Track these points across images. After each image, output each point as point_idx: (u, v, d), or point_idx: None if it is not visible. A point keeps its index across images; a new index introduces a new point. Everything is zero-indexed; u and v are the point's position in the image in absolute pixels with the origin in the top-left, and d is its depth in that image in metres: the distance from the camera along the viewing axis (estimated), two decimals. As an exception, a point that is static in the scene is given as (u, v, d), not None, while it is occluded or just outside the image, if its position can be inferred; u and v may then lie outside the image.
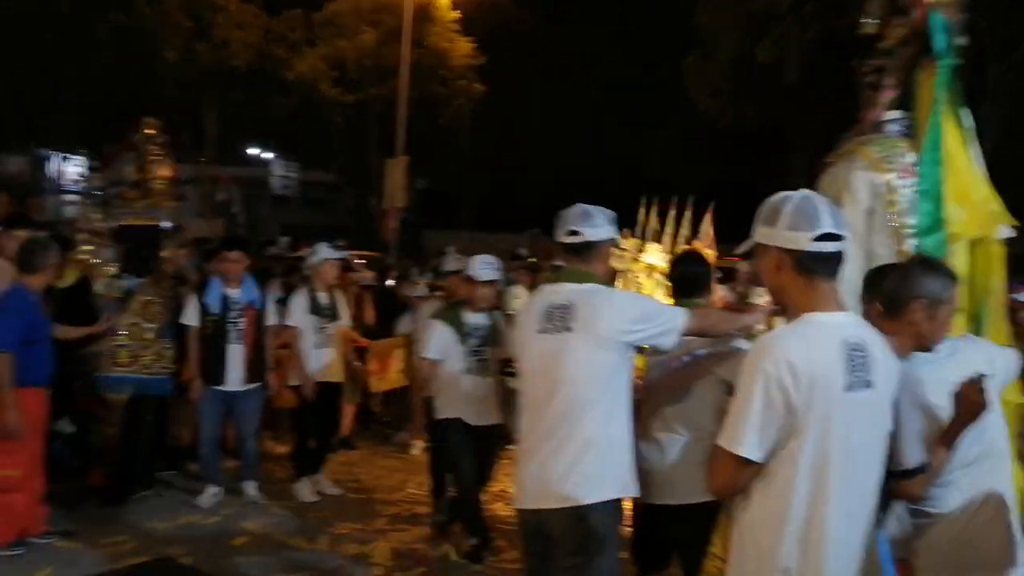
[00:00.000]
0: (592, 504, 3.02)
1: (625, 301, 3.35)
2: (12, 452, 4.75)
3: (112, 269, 6.18)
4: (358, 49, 25.06)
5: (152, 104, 22.04)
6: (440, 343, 5.17)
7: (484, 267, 5.14)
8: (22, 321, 4.73)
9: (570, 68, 30.42)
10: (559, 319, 3.12)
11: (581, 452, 3.03)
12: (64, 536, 5.12)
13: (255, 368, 6.15)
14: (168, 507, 5.87)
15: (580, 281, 3.20)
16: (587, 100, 31.12)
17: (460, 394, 5.15)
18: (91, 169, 7.01)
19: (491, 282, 5.17)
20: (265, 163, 30.44)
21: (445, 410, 5.19)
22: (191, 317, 6.00)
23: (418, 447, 8.07)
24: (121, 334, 5.91)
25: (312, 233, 18.39)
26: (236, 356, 6.03)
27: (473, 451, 5.13)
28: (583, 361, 3.06)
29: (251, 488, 6.21)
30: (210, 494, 6.02)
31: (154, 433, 6.25)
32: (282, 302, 6.53)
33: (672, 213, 6.53)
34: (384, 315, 8.60)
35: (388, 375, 8.20)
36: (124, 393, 5.89)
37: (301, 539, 5.42)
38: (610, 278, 3.50)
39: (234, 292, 6.06)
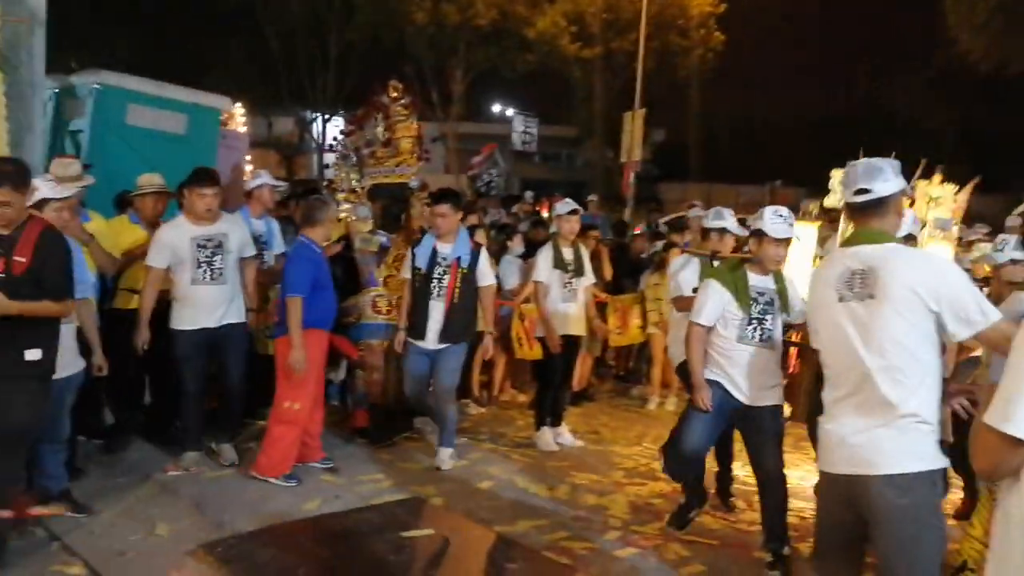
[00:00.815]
0: (916, 473, 2.89)
1: (932, 267, 2.99)
2: (297, 387, 5.31)
3: (368, 225, 6.57)
4: (597, 4, 24.93)
5: (404, 65, 23.29)
6: (716, 307, 4.46)
7: (776, 221, 4.37)
8: (311, 269, 5.29)
9: (814, 8, 28.55)
10: (860, 285, 2.95)
11: (891, 422, 2.89)
12: (330, 472, 5.62)
13: (451, 328, 5.82)
14: (420, 450, 6.25)
15: (877, 241, 3.00)
16: (832, 42, 29.12)
17: (734, 366, 4.46)
18: (344, 132, 7.42)
19: (785, 240, 4.44)
20: (507, 119, 31.17)
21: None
22: (405, 270, 6.00)
23: (654, 402, 8.07)
24: (378, 286, 6.37)
25: (551, 188, 18.68)
26: (436, 313, 5.80)
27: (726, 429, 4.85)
28: (889, 329, 2.88)
29: (443, 455, 5.87)
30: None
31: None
32: (525, 257, 6.69)
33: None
34: (622, 270, 8.62)
35: (628, 331, 8.23)
36: (384, 339, 6.33)
37: (541, 487, 5.58)
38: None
39: (444, 247, 5.86)
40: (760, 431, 4.51)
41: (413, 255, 5.87)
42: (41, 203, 4.45)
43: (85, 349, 4.75)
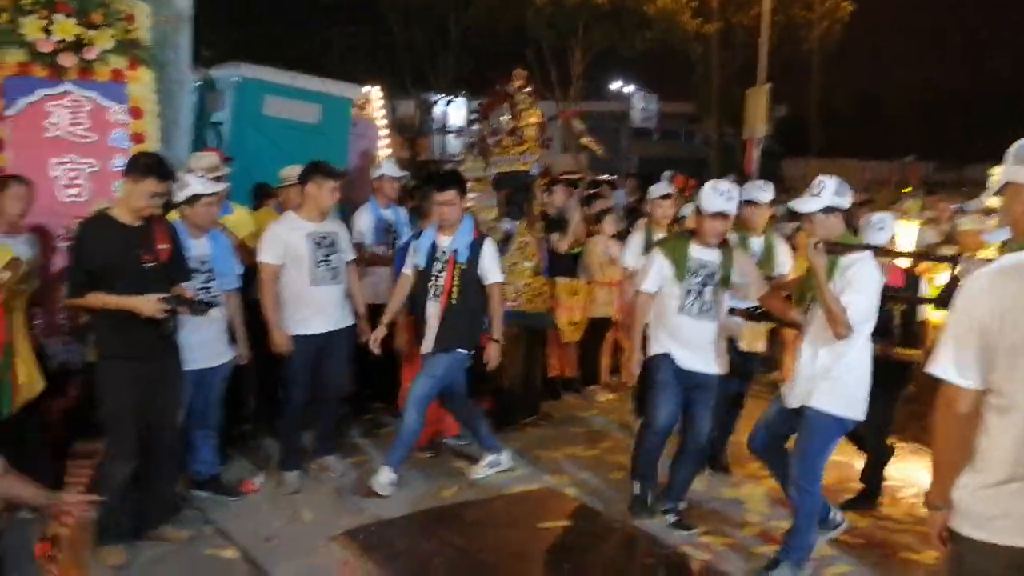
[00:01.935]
0: None
1: None
2: (413, 368, 5.46)
3: (493, 214, 6.59)
4: (718, -22, 24.28)
5: (524, 46, 23.23)
6: (656, 276, 4.65)
7: (711, 196, 4.46)
8: None
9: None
10: None
11: None
12: (465, 459, 5.66)
13: (444, 333, 5.08)
14: (551, 437, 6.24)
15: None
16: (961, 14, 27.48)
17: (676, 337, 4.62)
18: (470, 122, 7.47)
19: (720, 214, 4.47)
20: (625, 97, 30.80)
21: None
22: (407, 264, 5.29)
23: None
24: (504, 274, 6.40)
25: (670, 166, 18.31)
26: (433, 315, 5.12)
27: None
28: None
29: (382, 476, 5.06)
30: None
31: (539, 363, 6.69)
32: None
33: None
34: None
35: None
36: (511, 326, 6.36)
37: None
38: None
39: (443, 240, 5.13)
40: (699, 401, 4.68)
41: (414, 250, 5.25)
42: (192, 199, 4.61)
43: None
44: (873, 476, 5.14)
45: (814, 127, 31.63)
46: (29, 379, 4.22)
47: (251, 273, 5.19)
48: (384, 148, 8.65)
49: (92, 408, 4.21)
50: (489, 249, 5.20)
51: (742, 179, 17.81)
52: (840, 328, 3.79)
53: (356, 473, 5.35)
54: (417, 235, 5.33)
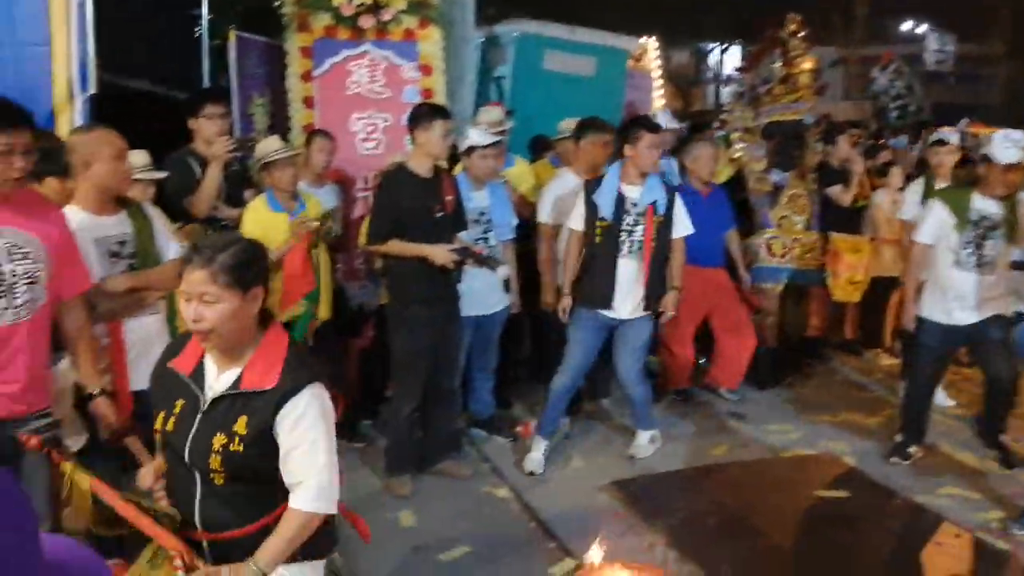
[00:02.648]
0: None
1: None
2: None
3: (761, 165, 6.29)
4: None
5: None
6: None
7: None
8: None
9: None
10: None
11: None
12: (737, 418, 5.55)
13: (650, 293, 4.68)
14: (827, 401, 5.92)
15: None
16: None
17: None
18: (739, 69, 7.14)
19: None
20: (915, 39, 28.15)
21: None
22: (575, 220, 4.75)
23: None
24: (772, 227, 6.12)
25: (967, 113, 16.54)
26: (627, 274, 4.62)
27: None
28: None
29: (642, 439, 4.97)
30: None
31: (803, 323, 6.38)
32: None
33: None
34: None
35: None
36: (779, 282, 6.12)
37: (967, 454, 4.98)
38: None
39: (632, 191, 4.63)
40: (986, 348, 4.66)
41: (590, 202, 4.65)
42: (469, 150, 4.78)
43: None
44: None
45: None
46: (325, 313, 4.65)
47: (526, 226, 5.33)
48: (658, 99, 8.51)
49: (385, 348, 4.54)
50: (679, 200, 4.83)
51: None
52: None
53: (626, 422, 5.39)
54: (594, 186, 4.68)
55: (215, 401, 2.09)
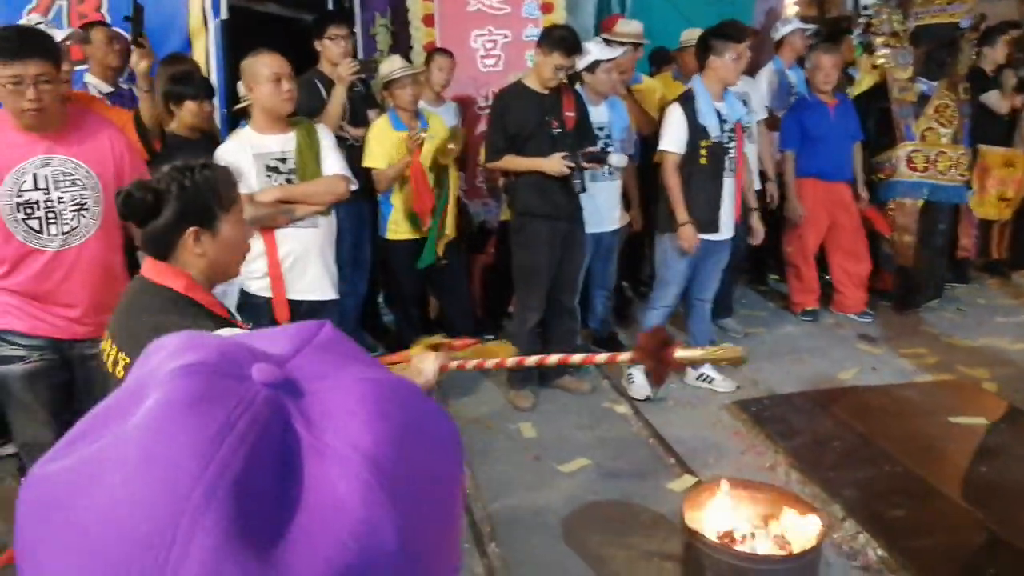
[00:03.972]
0: None
1: None
2: (790, 233, 5.70)
3: (907, 73, 5.88)
4: None
5: None
6: None
7: None
8: (801, 123, 5.42)
9: None
10: None
11: None
12: (868, 341, 5.35)
13: (746, 213, 4.73)
14: (968, 325, 5.63)
15: None
16: None
17: None
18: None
19: None
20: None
21: None
22: (672, 143, 4.40)
23: None
24: (915, 140, 5.76)
25: None
26: (729, 193, 4.48)
27: None
28: None
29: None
30: None
31: (947, 241, 6.03)
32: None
33: None
34: None
35: None
36: (919, 198, 5.79)
37: None
38: None
39: (720, 105, 4.41)
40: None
41: (692, 120, 4.33)
42: (593, 65, 4.67)
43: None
44: None
45: None
46: (451, 231, 4.73)
47: (648, 142, 5.19)
48: (791, 6, 8.05)
49: (508, 264, 4.59)
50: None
51: None
52: None
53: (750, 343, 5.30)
54: (690, 104, 4.39)
55: None
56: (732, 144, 4.45)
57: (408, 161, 4.45)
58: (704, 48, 4.40)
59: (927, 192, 5.82)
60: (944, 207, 5.92)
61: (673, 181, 4.39)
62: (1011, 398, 4.50)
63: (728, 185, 4.47)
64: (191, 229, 1.73)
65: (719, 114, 4.38)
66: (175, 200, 1.72)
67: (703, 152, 4.37)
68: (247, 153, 3.31)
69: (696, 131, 4.35)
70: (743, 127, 4.59)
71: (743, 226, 4.84)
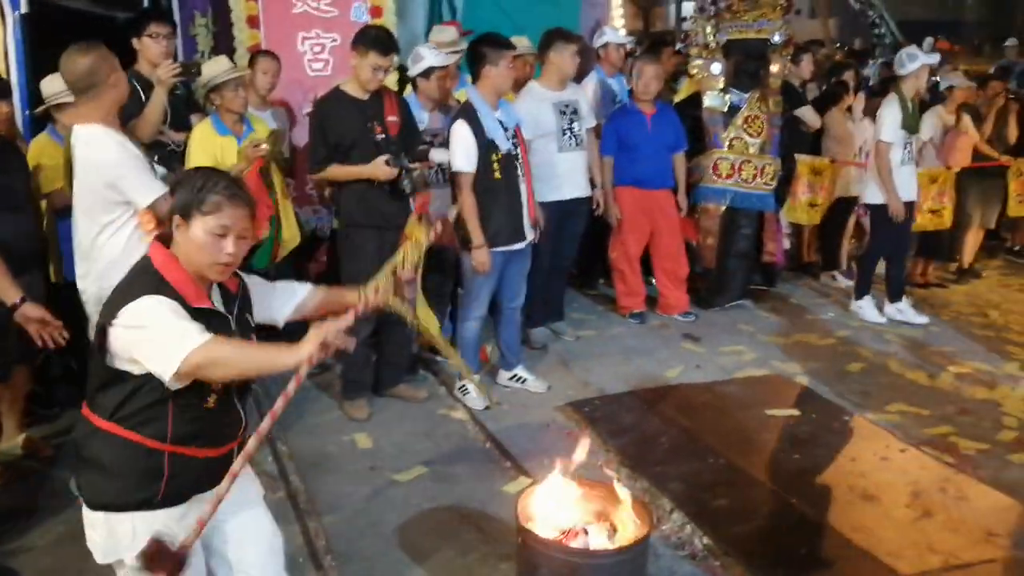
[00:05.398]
0: None
1: None
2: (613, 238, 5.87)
3: (719, 83, 6.19)
4: None
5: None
6: None
7: None
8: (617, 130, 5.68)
9: None
10: None
11: None
12: (691, 340, 5.59)
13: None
14: (781, 324, 5.98)
15: None
16: None
17: None
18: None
19: None
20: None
21: None
22: (461, 159, 4.37)
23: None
24: (722, 148, 6.07)
25: (936, 31, 16.25)
26: (525, 196, 4.55)
27: None
28: None
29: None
30: None
31: (751, 245, 6.32)
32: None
33: None
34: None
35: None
36: (722, 203, 6.09)
37: (920, 373, 5.08)
38: None
39: (498, 114, 4.43)
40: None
41: (480, 135, 4.31)
42: (428, 71, 4.66)
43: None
44: None
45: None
46: (291, 235, 4.62)
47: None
48: (617, 19, 8.31)
49: (339, 273, 4.49)
50: None
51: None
52: None
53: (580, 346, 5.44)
54: (468, 115, 4.38)
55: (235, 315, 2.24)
56: (518, 150, 4.49)
57: (243, 168, 4.26)
58: (477, 58, 4.39)
59: (731, 198, 6.09)
60: (749, 213, 6.15)
61: (469, 201, 4.32)
62: (819, 390, 4.82)
63: (523, 191, 4.52)
64: (176, 217, 2.07)
65: (501, 123, 4.40)
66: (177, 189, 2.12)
67: (496, 167, 4.37)
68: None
69: (485, 146, 4.32)
70: (522, 136, 4.58)
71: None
